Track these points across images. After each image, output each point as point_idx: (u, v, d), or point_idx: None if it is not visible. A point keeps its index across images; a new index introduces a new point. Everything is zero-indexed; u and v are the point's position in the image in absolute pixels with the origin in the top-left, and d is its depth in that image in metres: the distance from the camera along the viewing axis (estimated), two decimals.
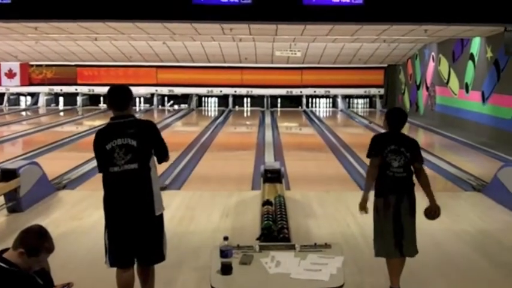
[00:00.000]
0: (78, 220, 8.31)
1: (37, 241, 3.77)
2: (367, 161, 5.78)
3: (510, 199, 8.81)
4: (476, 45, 18.10)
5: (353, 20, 7.66)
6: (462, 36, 18.17)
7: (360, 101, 29.50)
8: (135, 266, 5.10)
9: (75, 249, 7.00)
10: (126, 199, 4.90)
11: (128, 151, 4.83)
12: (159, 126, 22.08)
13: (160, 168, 11.93)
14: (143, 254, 5.03)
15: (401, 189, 5.59)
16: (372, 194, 5.73)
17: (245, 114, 27.20)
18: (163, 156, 5.14)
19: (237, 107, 28.72)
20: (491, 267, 6.52)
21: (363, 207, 5.71)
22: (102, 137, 4.91)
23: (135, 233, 4.92)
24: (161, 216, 5.11)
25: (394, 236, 5.53)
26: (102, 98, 28.35)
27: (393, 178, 5.55)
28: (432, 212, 5.68)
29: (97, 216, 8.44)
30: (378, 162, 5.60)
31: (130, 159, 4.84)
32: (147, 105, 29.07)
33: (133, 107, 5.12)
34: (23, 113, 27.09)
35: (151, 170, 5.00)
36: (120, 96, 4.99)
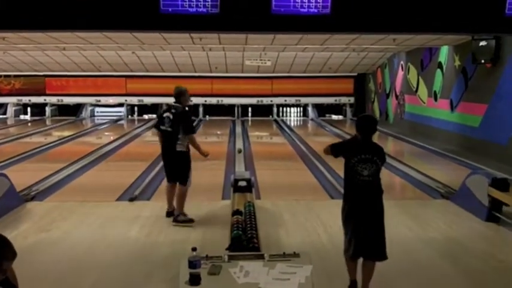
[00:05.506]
0: (46, 232, 8.22)
1: None
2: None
3: (478, 206, 8.90)
4: (444, 54, 18.30)
5: (321, 29, 7.67)
6: (430, 45, 18.36)
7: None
8: None
9: (43, 261, 6.91)
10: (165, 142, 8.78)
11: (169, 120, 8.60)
12: (128, 136, 21.69)
13: (130, 178, 11.87)
14: (174, 175, 8.82)
15: (369, 196, 5.65)
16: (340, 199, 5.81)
17: (216, 124, 27.16)
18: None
19: (207, 116, 28.69)
20: (459, 275, 6.57)
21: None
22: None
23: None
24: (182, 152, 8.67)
25: (362, 242, 5.59)
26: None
27: (362, 185, 5.61)
28: None
29: (65, 228, 8.42)
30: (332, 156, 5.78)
31: (170, 125, 8.61)
32: (118, 114, 28.93)
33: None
34: None
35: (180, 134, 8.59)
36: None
